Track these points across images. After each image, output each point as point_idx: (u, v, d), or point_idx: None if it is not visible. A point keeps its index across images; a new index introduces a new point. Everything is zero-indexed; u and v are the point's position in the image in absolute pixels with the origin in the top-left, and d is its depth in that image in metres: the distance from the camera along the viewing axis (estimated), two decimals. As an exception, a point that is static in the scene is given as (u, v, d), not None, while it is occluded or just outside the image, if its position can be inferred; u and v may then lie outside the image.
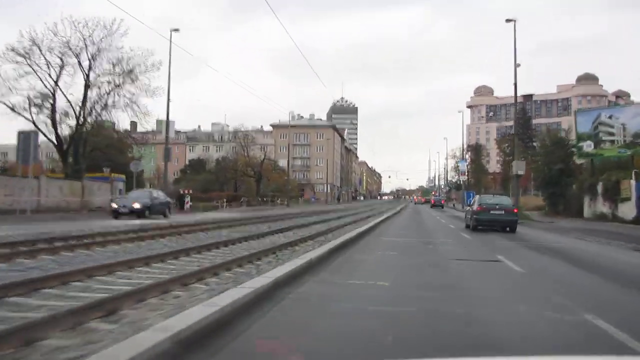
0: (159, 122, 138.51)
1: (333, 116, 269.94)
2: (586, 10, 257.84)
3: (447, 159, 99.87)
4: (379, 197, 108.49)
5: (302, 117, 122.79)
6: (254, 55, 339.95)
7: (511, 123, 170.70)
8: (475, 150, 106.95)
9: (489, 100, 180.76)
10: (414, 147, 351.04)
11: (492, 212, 21.18)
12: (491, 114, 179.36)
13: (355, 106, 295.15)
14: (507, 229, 21.26)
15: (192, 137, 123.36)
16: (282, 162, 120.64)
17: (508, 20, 35.00)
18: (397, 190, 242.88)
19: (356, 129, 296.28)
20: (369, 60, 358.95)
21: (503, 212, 21.24)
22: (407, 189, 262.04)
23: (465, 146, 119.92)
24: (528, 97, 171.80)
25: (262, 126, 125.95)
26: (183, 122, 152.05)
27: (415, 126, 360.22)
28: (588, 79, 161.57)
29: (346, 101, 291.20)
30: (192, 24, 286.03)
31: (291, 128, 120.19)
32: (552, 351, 4.78)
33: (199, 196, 55.51)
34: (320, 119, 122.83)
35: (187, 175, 70.73)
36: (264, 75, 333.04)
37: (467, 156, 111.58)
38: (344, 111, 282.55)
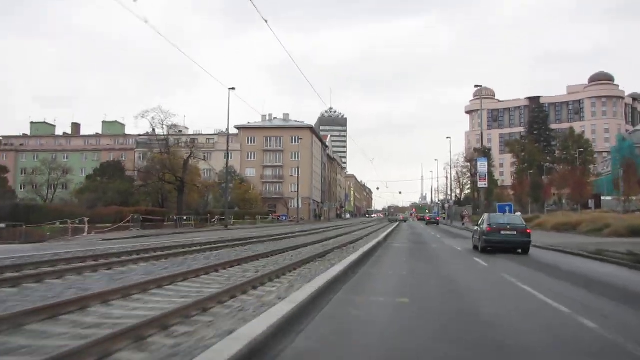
0: (33, 125, 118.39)
1: (321, 128, 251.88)
2: (589, 19, 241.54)
3: (450, 167, 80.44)
4: (366, 215, 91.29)
5: (274, 117, 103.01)
6: (251, 67, 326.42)
7: (517, 129, 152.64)
8: (484, 156, 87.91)
9: (490, 104, 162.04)
10: (407, 163, 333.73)
11: (502, 232, 19.26)
12: (493, 119, 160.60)
13: (345, 117, 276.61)
14: (519, 251, 19.35)
15: (143, 143, 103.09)
16: (251, 172, 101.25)
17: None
18: (389, 208, 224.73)
19: (345, 141, 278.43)
20: (363, 73, 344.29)
21: (515, 232, 19.30)
22: (400, 206, 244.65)
23: (465, 152, 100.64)
24: (535, 99, 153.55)
25: (227, 129, 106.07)
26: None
27: (410, 141, 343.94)
28: (602, 79, 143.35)
29: (335, 112, 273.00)
30: (190, 33, 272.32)
31: (261, 130, 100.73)
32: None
33: (98, 213, 36.16)
34: (297, 121, 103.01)
35: (95, 184, 50.71)
36: (260, 87, 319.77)
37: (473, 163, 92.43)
38: (332, 122, 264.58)
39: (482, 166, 40.70)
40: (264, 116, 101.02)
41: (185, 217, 42.57)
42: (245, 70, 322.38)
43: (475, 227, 23.25)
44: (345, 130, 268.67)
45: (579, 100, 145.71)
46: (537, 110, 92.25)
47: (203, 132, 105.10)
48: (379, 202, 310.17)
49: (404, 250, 22.10)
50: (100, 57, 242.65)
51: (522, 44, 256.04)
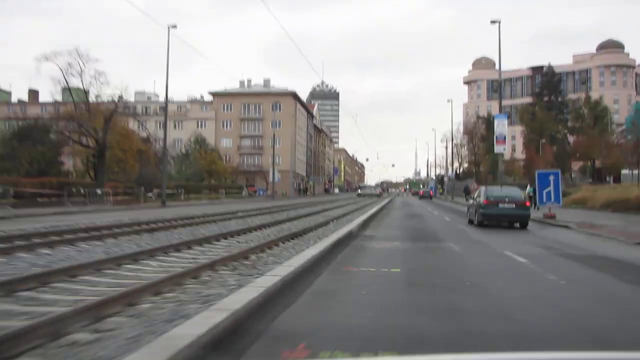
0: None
1: (312, 102, 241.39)
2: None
3: (452, 134, 70.41)
4: (359, 190, 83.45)
5: (253, 84, 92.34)
6: (246, 45, 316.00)
7: (521, 100, 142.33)
8: (488, 124, 77.98)
9: (490, 74, 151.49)
10: (402, 139, 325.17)
11: (500, 205, 18.57)
12: (494, 90, 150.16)
13: (337, 91, 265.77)
14: (517, 225, 18.80)
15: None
16: (227, 142, 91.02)
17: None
18: (382, 183, 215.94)
19: (338, 116, 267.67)
20: (360, 50, 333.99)
21: (513, 205, 18.64)
22: (394, 181, 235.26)
23: (461, 124, 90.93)
24: (538, 69, 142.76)
25: (202, 96, 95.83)
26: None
27: (406, 118, 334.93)
28: (611, 47, 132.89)
29: (327, 85, 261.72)
30: (184, 11, 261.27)
31: (238, 97, 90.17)
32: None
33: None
34: (277, 87, 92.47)
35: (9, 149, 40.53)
36: (255, 65, 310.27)
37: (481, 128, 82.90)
38: (324, 96, 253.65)
39: (500, 125, 31.02)
40: (241, 82, 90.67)
41: (106, 191, 32.53)
42: (238, 48, 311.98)
43: (471, 201, 22.15)
44: (338, 104, 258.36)
45: (586, 70, 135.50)
46: (548, 74, 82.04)
47: (175, 100, 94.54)
48: (372, 177, 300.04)
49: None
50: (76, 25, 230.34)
51: (524, 20, 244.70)
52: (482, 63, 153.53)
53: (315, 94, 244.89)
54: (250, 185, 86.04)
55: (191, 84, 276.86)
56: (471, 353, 1.96)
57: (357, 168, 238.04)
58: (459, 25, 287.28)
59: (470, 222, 20.49)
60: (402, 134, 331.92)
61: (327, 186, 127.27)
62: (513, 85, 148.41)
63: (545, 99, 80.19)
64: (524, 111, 78.98)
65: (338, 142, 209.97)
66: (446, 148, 75.98)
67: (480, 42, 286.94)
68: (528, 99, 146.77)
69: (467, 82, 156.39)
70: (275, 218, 20.29)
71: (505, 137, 31.67)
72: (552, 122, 74.20)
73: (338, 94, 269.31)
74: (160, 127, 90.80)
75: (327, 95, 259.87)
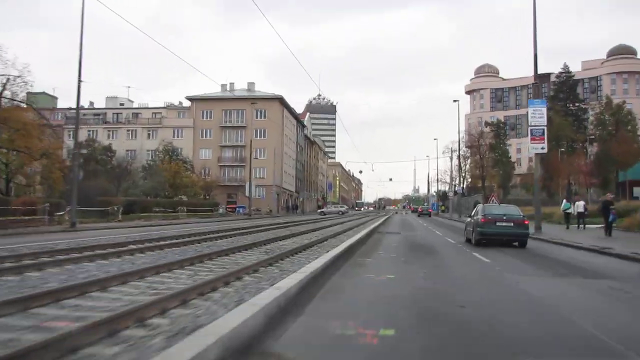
0: None
1: (309, 115, 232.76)
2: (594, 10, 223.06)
3: (459, 143, 61.58)
4: (323, 209, 76.36)
5: (236, 88, 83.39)
6: (248, 59, 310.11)
7: (525, 111, 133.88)
8: (498, 131, 69.35)
9: (494, 82, 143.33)
10: (401, 155, 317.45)
11: (498, 223, 17.95)
12: (497, 100, 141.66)
13: (334, 104, 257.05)
14: (516, 244, 18.06)
15: (73, 117, 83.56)
16: (207, 153, 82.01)
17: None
18: (380, 200, 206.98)
19: (335, 130, 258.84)
20: (359, 66, 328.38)
21: (512, 224, 18.01)
22: (392, 198, 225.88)
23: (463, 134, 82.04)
24: (545, 76, 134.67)
25: (180, 102, 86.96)
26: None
27: (405, 134, 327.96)
28: (623, 52, 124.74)
29: (324, 98, 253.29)
30: (186, 25, 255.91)
31: (218, 102, 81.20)
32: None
33: None
34: (263, 92, 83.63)
35: None
36: (258, 80, 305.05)
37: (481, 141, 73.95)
38: (321, 110, 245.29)
39: (538, 114, 22.26)
40: (223, 85, 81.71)
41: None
42: (240, 64, 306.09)
43: (468, 219, 21.44)
44: (334, 119, 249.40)
45: (596, 77, 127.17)
46: (564, 75, 73.13)
47: (150, 105, 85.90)
48: (369, 194, 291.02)
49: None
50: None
51: (526, 35, 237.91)
52: (484, 70, 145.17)
53: (311, 108, 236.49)
54: (231, 201, 77.04)
55: (176, 92, 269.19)
56: None
57: (353, 184, 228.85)
58: (460, 41, 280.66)
59: (468, 240, 19.82)
60: (401, 151, 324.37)
61: (320, 202, 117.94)
62: (518, 94, 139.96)
63: (560, 103, 71.39)
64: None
65: (335, 158, 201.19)
66: (451, 158, 67.16)
67: (481, 58, 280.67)
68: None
69: (469, 92, 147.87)
70: (198, 251, 11.48)
71: (544, 131, 22.76)
72: (570, 129, 65.37)
73: (335, 106, 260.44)
74: (132, 136, 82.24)
75: (324, 109, 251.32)
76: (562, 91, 73.32)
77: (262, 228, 25.13)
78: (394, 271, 10.20)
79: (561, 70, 73.24)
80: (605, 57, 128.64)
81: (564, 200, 29.05)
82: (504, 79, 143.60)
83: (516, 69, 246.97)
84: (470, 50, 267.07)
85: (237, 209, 67.11)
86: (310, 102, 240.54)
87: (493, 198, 33.37)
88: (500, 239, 17.89)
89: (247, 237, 18.21)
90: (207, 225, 29.94)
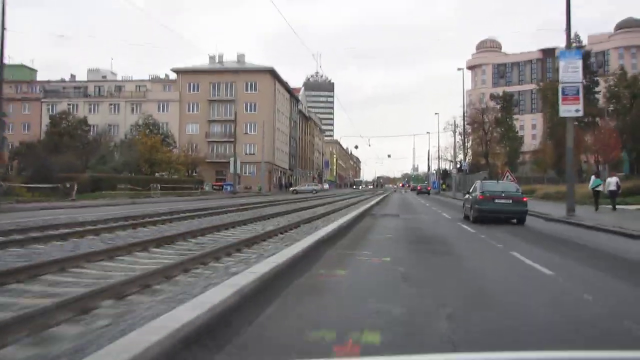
0: None
1: (306, 93, 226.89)
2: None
3: (464, 113, 57.07)
4: (353, 187, 71.84)
5: (223, 61, 78.31)
6: (243, 37, 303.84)
7: (529, 87, 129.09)
8: (505, 103, 64.87)
9: (496, 57, 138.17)
10: (401, 133, 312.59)
11: (496, 201, 17.69)
12: (499, 75, 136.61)
13: (332, 82, 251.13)
14: (514, 221, 17.76)
15: (55, 91, 79.05)
16: (194, 128, 77.52)
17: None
18: (379, 178, 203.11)
19: (333, 108, 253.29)
20: (359, 45, 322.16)
21: (510, 201, 17.80)
22: (391, 176, 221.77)
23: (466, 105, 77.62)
24: (549, 51, 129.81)
25: (167, 75, 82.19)
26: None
27: (404, 112, 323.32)
28: (632, 25, 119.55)
29: (321, 76, 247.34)
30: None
31: (206, 75, 76.32)
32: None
33: None
34: (253, 64, 78.65)
35: None
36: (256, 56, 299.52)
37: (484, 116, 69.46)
38: (318, 87, 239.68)
39: (571, 67, 17.97)
40: (212, 58, 76.78)
41: None
42: (238, 40, 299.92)
43: (466, 196, 21.47)
44: (332, 96, 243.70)
45: (603, 52, 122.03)
46: (575, 46, 68.20)
47: (134, 78, 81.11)
48: (368, 172, 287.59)
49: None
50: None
51: (530, 10, 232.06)
52: (487, 45, 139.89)
53: (308, 85, 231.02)
54: (220, 178, 72.72)
55: (164, 65, 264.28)
56: (471, 353, 1.97)
57: (352, 162, 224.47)
58: (462, 18, 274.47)
59: (466, 217, 19.69)
60: (401, 128, 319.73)
61: (316, 180, 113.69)
62: (521, 69, 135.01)
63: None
64: (548, 89, 65.23)
65: (333, 136, 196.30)
66: (454, 132, 62.58)
67: (483, 34, 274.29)
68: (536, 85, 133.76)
69: (471, 67, 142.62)
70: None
71: (578, 90, 18.47)
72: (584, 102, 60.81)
73: (333, 84, 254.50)
74: (115, 110, 77.49)
75: (322, 86, 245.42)
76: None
77: (232, 209, 21.02)
78: (384, 313, 5.04)
79: (571, 40, 68.11)
80: (613, 31, 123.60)
81: (593, 177, 24.84)
82: (506, 54, 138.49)
83: (519, 45, 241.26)
84: (471, 26, 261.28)
85: (224, 186, 62.86)
86: (308, 79, 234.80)
87: (507, 174, 28.95)
88: (498, 216, 17.43)
89: (193, 222, 14.03)
90: (174, 204, 25.77)
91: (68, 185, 27.67)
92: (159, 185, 37.40)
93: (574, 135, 21.26)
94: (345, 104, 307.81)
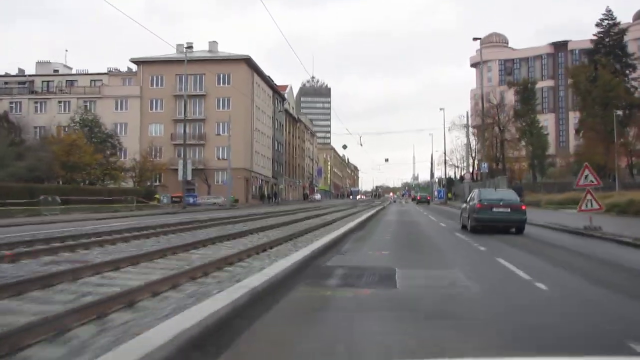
0: None
1: (302, 99, 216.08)
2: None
3: (483, 105, 45.99)
4: (349, 197, 62.45)
5: (192, 49, 66.97)
6: (248, 45, 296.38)
7: (541, 84, 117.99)
8: (524, 93, 53.87)
9: (502, 52, 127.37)
10: (400, 143, 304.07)
11: (494, 209, 17.43)
12: (507, 72, 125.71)
13: (328, 87, 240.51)
14: (513, 230, 17.50)
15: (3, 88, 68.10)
16: (157, 129, 66.45)
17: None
18: (377, 188, 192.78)
19: (329, 114, 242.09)
20: (359, 53, 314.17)
21: (509, 209, 17.50)
22: (391, 185, 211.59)
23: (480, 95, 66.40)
24: (561, 45, 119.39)
25: (130, 69, 71.05)
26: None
27: (404, 121, 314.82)
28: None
29: (317, 81, 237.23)
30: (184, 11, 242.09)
31: (171, 66, 64.80)
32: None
33: None
34: (226, 52, 67.57)
35: None
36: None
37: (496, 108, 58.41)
38: (314, 93, 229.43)
39: None
40: (179, 45, 65.36)
41: None
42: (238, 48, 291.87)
43: (464, 204, 20.90)
44: (329, 102, 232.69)
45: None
46: (607, 24, 56.96)
47: (89, 71, 70.01)
48: (366, 182, 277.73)
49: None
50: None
51: (533, 17, 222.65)
52: (492, 40, 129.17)
53: (304, 91, 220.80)
54: (190, 188, 61.33)
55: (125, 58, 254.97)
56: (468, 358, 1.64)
57: (349, 171, 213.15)
58: (462, 26, 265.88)
59: (464, 227, 19.23)
60: (401, 137, 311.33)
61: (306, 190, 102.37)
62: (531, 65, 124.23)
63: (602, 53, 55.39)
64: (579, 72, 53.90)
65: (330, 144, 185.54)
66: (467, 127, 51.15)
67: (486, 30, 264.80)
68: (549, 82, 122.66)
69: (475, 64, 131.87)
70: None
71: None
72: (624, 89, 49.62)
73: (329, 89, 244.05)
74: (65, 109, 66.18)
75: (318, 92, 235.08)
76: (604, 44, 57.41)
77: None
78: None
79: (603, 16, 57.07)
80: (631, 21, 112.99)
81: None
82: (514, 49, 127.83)
83: (525, 38, 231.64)
84: (472, 33, 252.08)
85: (187, 198, 51.54)
86: (304, 84, 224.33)
87: (587, 170, 17.78)
88: (496, 226, 17.16)
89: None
90: (42, 227, 14.71)
91: None
92: (58, 198, 26.31)
93: None
94: (344, 112, 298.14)
